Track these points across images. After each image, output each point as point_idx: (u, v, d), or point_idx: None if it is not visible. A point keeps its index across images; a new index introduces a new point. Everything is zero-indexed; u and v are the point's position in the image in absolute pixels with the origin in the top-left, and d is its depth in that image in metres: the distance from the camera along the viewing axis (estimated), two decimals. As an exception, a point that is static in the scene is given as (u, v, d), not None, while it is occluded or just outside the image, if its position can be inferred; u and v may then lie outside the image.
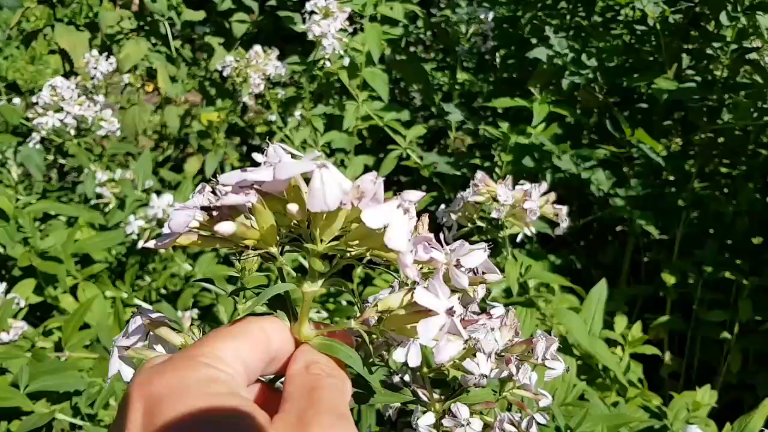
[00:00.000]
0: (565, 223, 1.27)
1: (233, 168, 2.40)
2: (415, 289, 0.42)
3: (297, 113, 2.17)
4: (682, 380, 1.93)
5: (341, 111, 2.10)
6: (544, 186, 1.25)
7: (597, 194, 1.85)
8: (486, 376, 0.72)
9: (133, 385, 0.36)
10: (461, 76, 2.35)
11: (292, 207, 0.39)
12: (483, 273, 0.57)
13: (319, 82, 2.13)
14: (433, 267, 0.45)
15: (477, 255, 0.50)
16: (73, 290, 1.73)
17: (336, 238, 0.41)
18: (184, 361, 0.36)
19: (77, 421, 1.22)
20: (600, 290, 1.54)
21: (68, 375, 1.31)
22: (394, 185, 2.25)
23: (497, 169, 1.88)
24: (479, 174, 1.24)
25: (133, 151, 2.31)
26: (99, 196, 1.86)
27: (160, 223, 1.71)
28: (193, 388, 0.34)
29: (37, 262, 1.59)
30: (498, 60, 2.45)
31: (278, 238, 0.42)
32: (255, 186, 0.40)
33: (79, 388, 1.27)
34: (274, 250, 0.42)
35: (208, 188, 0.42)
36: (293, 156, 0.42)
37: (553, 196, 1.26)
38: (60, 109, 1.70)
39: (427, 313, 0.42)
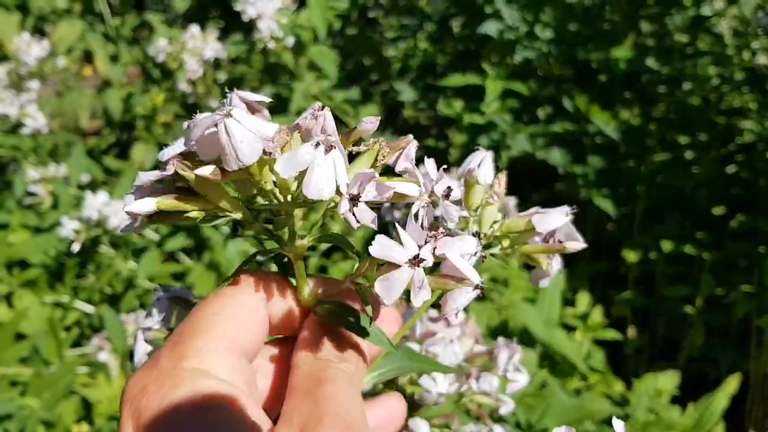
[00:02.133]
0: (514, 215, 1.21)
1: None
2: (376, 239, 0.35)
3: (243, 94, 2.06)
4: (647, 356, 1.91)
5: (289, 92, 2.00)
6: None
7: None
8: (444, 395, 0.67)
9: (123, 397, 0.33)
10: (422, 45, 2.25)
11: (205, 169, 0.33)
12: (559, 240, 0.45)
13: (264, 63, 2.02)
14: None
15: (556, 217, 0.42)
16: (8, 298, 1.63)
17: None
18: (168, 371, 0.32)
19: (7, 450, 1.15)
20: (556, 277, 1.49)
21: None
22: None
23: (451, 150, 1.81)
24: (429, 163, 1.17)
25: (73, 140, 2.20)
26: (33, 194, 1.75)
27: (98, 224, 1.62)
28: (179, 413, 0.31)
29: (-37, 274, 1.50)
30: (456, 29, 2.36)
31: (241, 202, 0.36)
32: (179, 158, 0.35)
33: (10, 411, 1.20)
34: (239, 216, 0.36)
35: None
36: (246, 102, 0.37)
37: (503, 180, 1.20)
38: (-21, 107, 1.58)
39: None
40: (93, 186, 1.91)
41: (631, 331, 1.93)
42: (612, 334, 1.53)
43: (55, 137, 2.14)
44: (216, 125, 0.32)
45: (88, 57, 2.54)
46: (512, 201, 1.22)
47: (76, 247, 1.58)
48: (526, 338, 1.46)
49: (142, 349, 0.44)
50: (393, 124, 2.53)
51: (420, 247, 0.34)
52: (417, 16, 2.39)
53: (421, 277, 0.33)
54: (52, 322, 1.46)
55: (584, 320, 1.57)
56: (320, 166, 0.32)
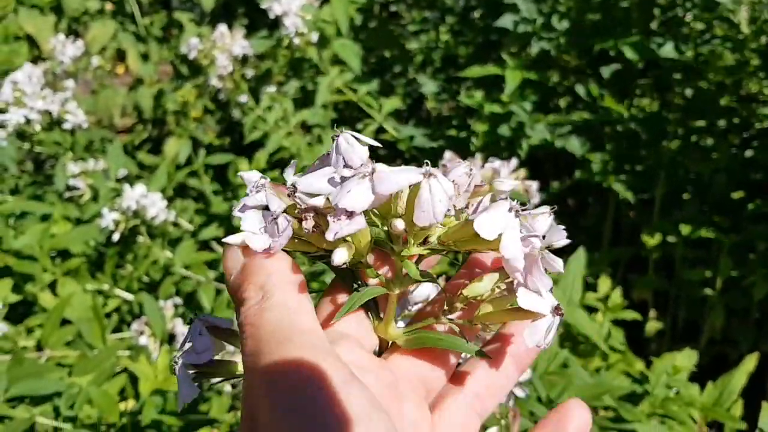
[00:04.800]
0: (535, 199, 1.26)
1: (210, 147, 2.38)
2: (513, 285, 0.38)
3: (271, 88, 2.13)
4: (667, 339, 1.94)
5: (315, 86, 2.07)
6: (514, 162, 1.24)
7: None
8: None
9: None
10: (444, 37, 2.30)
11: (399, 224, 0.36)
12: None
13: (289, 58, 2.09)
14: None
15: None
16: (52, 286, 1.72)
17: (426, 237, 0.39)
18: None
19: (59, 424, 1.23)
20: (578, 259, 1.54)
21: (48, 377, 1.31)
22: (373, 159, 2.20)
23: (474, 139, 1.86)
24: (447, 154, 1.24)
25: (108, 136, 2.28)
26: (73, 188, 1.84)
27: (136, 214, 1.70)
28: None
29: (12, 262, 1.58)
30: (477, 20, 2.40)
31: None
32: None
33: (60, 389, 1.28)
34: (365, 260, 0.40)
35: (268, 187, 0.39)
36: (363, 144, 0.38)
37: (522, 172, 1.25)
38: (23, 105, 1.66)
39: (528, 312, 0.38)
40: (128, 180, 1.99)
41: (652, 314, 1.96)
42: (631, 315, 1.57)
43: (90, 134, 2.23)
44: (419, 183, 0.35)
45: (120, 56, 2.63)
46: (534, 185, 1.27)
47: (116, 237, 1.66)
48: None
49: (190, 388, 0.42)
50: (416, 115, 2.58)
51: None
52: (438, 9, 2.44)
53: (557, 323, 0.38)
54: (96, 309, 1.54)
55: (605, 302, 1.61)
56: (513, 230, 0.36)
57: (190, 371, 0.43)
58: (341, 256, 0.36)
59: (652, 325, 1.95)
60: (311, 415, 0.32)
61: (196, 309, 1.76)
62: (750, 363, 1.53)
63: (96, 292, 1.73)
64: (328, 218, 0.36)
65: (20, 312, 1.70)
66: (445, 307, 0.42)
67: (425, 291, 0.58)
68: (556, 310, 0.38)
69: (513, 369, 0.43)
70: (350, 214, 0.35)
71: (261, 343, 0.35)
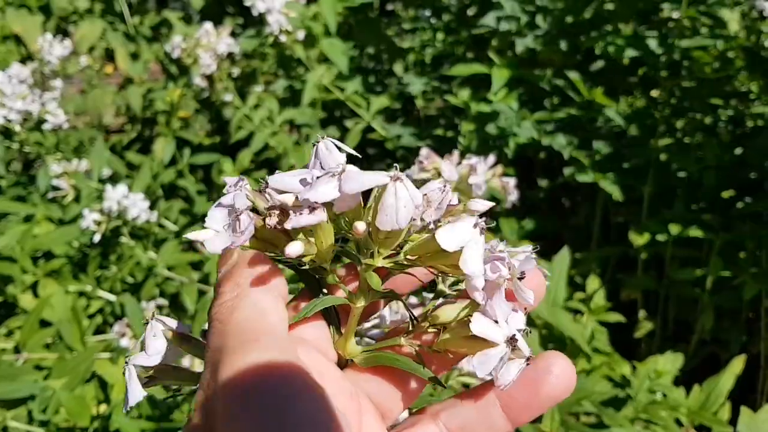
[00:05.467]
0: (513, 196, 1.24)
1: (200, 148, 2.37)
2: (474, 308, 0.38)
3: (258, 88, 2.11)
4: (658, 339, 1.92)
5: (302, 85, 2.05)
6: (491, 159, 1.22)
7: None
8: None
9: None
10: (440, 35, 2.28)
11: (360, 226, 0.36)
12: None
13: (277, 56, 2.07)
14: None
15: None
16: (35, 287, 1.71)
17: (394, 249, 0.38)
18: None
19: (31, 428, 1.21)
20: (562, 259, 1.51)
21: (23, 380, 1.30)
22: (362, 159, 2.19)
23: (461, 138, 1.84)
24: (424, 150, 1.21)
25: (96, 136, 2.27)
26: (56, 188, 1.82)
27: (119, 215, 1.69)
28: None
29: (-10, 264, 1.58)
30: (470, 18, 2.38)
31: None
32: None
33: (34, 392, 1.27)
34: (327, 265, 0.40)
35: (247, 186, 0.39)
36: (342, 152, 0.38)
37: (500, 169, 1.23)
38: (2, 105, 1.65)
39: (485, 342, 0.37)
40: (115, 180, 1.98)
41: (642, 315, 1.94)
42: (615, 317, 1.55)
43: (79, 134, 2.22)
44: (385, 186, 0.35)
45: (109, 55, 2.61)
46: (512, 181, 1.25)
47: (97, 238, 1.65)
48: (528, 320, 1.48)
49: (137, 390, 0.41)
50: (409, 114, 2.56)
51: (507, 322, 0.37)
52: (434, 7, 2.41)
53: (523, 353, 0.37)
54: (75, 310, 1.53)
55: (588, 304, 1.58)
56: (476, 244, 0.36)
57: (143, 374, 0.42)
58: (295, 248, 0.36)
59: (644, 326, 1.92)
60: (266, 420, 0.31)
61: (179, 310, 1.75)
62: (737, 365, 1.50)
63: (78, 293, 1.72)
64: (290, 212, 0.36)
65: (1, 314, 1.69)
66: (409, 329, 0.41)
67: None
68: (512, 341, 0.36)
69: (498, 416, 0.40)
70: (312, 209, 0.35)
71: (226, 339, 0.35)
